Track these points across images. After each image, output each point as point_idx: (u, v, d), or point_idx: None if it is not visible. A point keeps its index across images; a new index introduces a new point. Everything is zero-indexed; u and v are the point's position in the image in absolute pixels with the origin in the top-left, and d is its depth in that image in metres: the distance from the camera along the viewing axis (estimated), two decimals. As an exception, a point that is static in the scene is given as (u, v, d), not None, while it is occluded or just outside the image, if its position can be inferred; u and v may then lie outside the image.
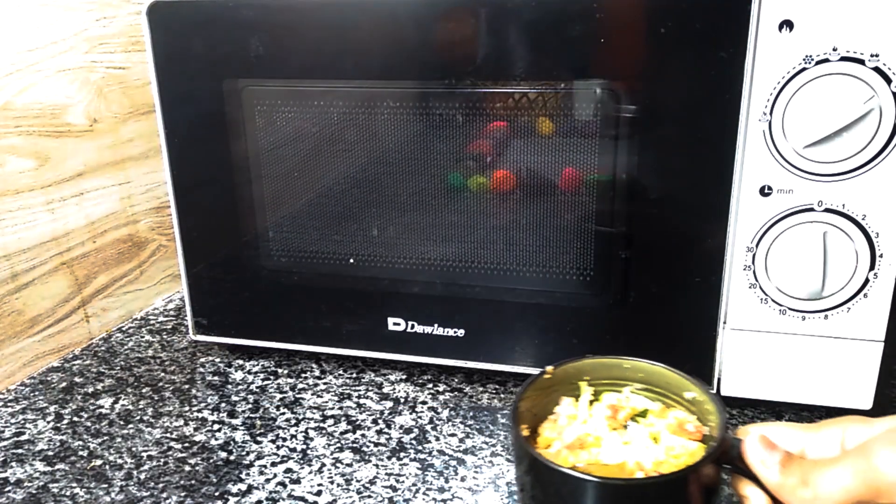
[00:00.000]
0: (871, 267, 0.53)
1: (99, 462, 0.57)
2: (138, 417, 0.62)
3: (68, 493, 0.53)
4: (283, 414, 0.62)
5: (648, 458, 0.43)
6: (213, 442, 0.59)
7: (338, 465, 0.56)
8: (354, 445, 0.58)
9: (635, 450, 0.44)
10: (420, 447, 0.58)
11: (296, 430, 0.60)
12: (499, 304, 0.62)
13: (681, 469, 0.41)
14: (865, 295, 0.54)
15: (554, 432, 0.47)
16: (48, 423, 0.62)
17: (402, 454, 0.57)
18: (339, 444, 0.58)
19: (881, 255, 0.53)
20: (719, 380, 0.59)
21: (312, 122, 0.62)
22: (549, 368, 0.48)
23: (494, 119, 0.58)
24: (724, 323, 0.58)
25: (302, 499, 0.52)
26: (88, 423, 0.62)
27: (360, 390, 0.66)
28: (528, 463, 0.42)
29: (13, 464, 0.57)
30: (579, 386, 0.50)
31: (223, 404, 0.64)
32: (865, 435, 0.36)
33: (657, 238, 0.57)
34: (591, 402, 0.49)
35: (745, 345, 0.58)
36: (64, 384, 0.68)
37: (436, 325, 0.64)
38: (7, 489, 0.54)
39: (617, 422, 0.47)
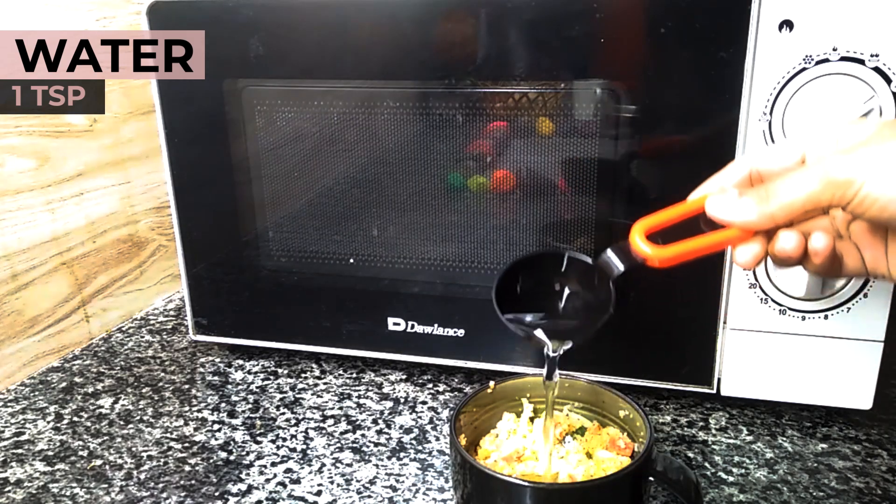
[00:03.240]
0: (871, 267, 0.53)
1: (99, 462, 0.57)
2: (138, 417, 0.62)
3: (68, 493, 0.53)
4: (283, 414, 0.62)
5: (581, 471, 0.45)
6: (213, 442, 0.59)
7: (338, 465, 0.56)
8: (354, 445, 0.58)
9: (569, 463, 0.46)
10: (420, 447, 0.58)
11: (296, 430, 0.60)
12: (499, 304, 0.62)
13: (596, 478, 0.43)
14: (865, 295, 0.54)
15: (493, 445, 0.49)
16: (48, 423, 0.62)
17: (402, 454, 0.57)
18: (339, 444, 0.58)
19: (881, 255, 0.53)
20: (719, 380, 0.59)
21: (312, 122, 0.62)
22: (492, 384, 0.50)
23: (494, 119, 0.58)
24: (724, 323, 0.58)
25: (302, 499, 0.52)
26: (88, 423, 0.62)
27: (360, 390, 0.66)
28: (464, 469, 0.44)
29: (13, 464, 0.56)
30: (521, 402, 0.51)
31: (223, 404, 0.64)
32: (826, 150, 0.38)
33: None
34: (532, 418, 0.51)
35: (745, 345, 0.58)
36: (64, 384, 0.68)
37: (436, 325, 0.64)
38: (7, 489, 0.54)
39: (555, 437, 0.48)
